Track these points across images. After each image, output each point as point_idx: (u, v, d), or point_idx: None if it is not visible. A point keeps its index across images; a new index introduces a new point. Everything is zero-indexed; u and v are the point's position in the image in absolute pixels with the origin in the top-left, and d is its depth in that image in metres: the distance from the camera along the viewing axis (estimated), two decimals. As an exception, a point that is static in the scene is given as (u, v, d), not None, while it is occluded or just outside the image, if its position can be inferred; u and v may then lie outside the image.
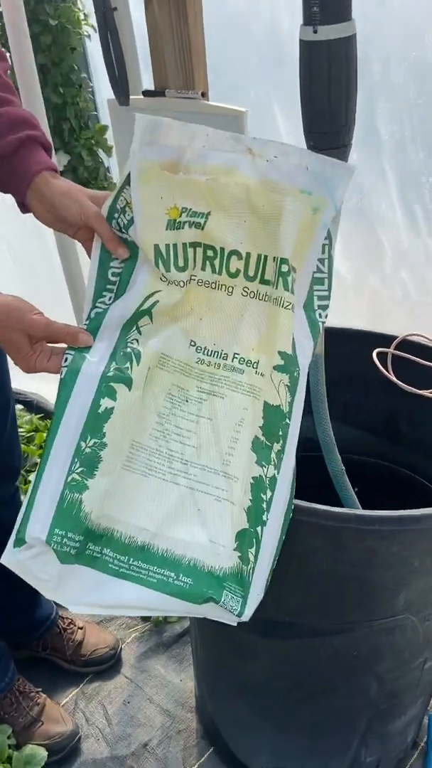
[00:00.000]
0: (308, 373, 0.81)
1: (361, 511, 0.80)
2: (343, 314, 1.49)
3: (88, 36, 1.78)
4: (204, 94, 1.17)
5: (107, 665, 1.42)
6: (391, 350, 1.06)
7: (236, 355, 0.79)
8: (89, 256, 0.81)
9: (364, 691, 1.02)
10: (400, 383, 1.08)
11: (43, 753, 1.23)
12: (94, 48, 1.79)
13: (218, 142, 0.75)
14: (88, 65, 1.82)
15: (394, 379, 1.01)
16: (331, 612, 0.91)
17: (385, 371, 0.99)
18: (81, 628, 1.45)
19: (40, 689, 1.33)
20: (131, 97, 1.28)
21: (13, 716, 1.28)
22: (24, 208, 0.82)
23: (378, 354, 1.05)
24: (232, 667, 1.10)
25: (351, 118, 0.82)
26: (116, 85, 1.28)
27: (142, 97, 1.26)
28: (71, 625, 1.44)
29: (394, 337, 1.15)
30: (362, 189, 1.35)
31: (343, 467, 1.01)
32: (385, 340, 1.16)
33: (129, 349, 0.77)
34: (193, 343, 0.80)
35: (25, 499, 0.75)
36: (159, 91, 1.22)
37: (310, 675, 1.01)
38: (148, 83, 1.29)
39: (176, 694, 1.37)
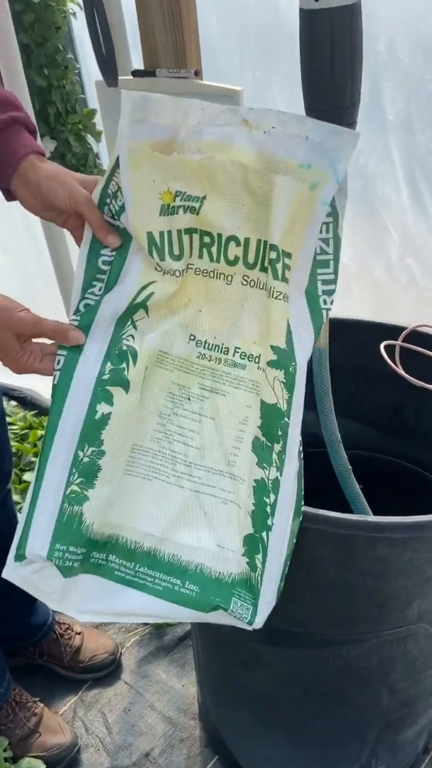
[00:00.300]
0: (311, 367, 0.75)
1: (371, 518, 0.75)
2: (346, 304, 1.44)
3: (74, 13, 1.70)
4: (197, 73, 1.11)
5: (107, 671, 1.38)
6: (399, 342, 1.00)
7: (237, 350, 0.74)
8: (79, 246, 0.75)
9: (374, 702, 0.97)
10: (410, 378, 1.02)
11: (41, 765, 1.19)
12: (80, 26, 1.70)
13: (214, 117, 0.69)
14: (74, 45, 1.73)
15: (403, 373, 0.95)
16: (340, 622, 0.86)
17: (393, 365, 0.93)
18: (79, 633, 1.40)
19: (37, 699, 1.29)
20: (120, 77, 1.22)
21: (10, 728, 1.23)
22: (9, 195, 0.76)
23: (385, 347, 1.00)
24: (236, 675, 1.05)
25: (356, 94, 0.76)
26: (104, 65, 1.21)
27: (131, 77, 1.20)
28: (69, 631, 1.39)
29: (400, 328, 1.10)
30: (366, 172, 1.28)
31: (350, 467, 0.96)
32: (391, 330, 1.11)
33: (125, 347, 0.72)
34: (192, 338, 0.75)
35: (23, 513, 0.71)
36: (149, 71, 1.16)
37: (319, 685, 0.96)
38: (138, 63, 1.23)
39: (178, 700, 1.33)
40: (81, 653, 1.37)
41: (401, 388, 1.11)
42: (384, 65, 1.19)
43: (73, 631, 1.40)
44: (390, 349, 1.05)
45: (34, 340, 0.72)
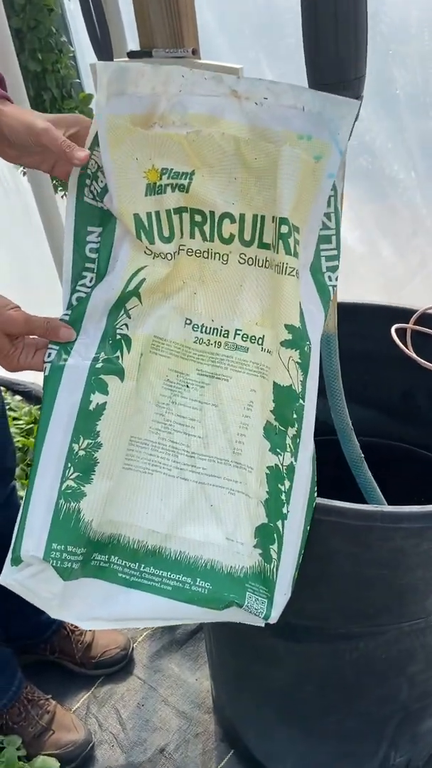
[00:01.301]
0: (321, 353, 0.72)
1: (386, 508, 0.72)
2: (354, 287, 1.40)
3: (66, -6, 1.65)
4: (195, 52, 1.07)
5: (119, 666, 1.36)
6: (410, 326, 0.97)
7: (238, 332, 0.71)
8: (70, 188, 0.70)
9: (393, 694, 0.95)
10: (422, 361, 0.99)
11: (55, 764, 1.17)
12: (73, 8, 1.66)
13: (196, 85, 0.65)
14: (68, 27, 1.69)
15: (415, 357, 0.92)
16: (357, 615, 0.83)
17: (405, 349, 0.90)
18: (90, 629, 1.38)
19: (49, 696, 1.27)
20: (116, 60, 1.18)
21: (23, 726, 1.22)
22: None
23: (396, 330, 0.97)
24: (250, 671, 1.03)
25: (361, 66, 0.72)
26: (99, 47, 1.18)
27: (127, 59, 1.16)
28: (79, 627, 1.38)
29: (410, 311, 1.07)
30: (373, 149, 1.24)
31: (362, 454, 0.94)
32: (401, 313, 1.08)
33: (119, 336, 0.69)
34: (188, 321, 0.72)
35: (20, 512, 0.67)
36: (145, 52, 1.12)
37: (336, 678, 0.94)
38: (133, 44, 1.19)
39: (192, 694, 1.31)
40: (92, 649, 1.36)
41: (413, 371, 1.08)
42: (393, 39, 1.14)
43: (83, 626, 1.38)
44: (401, 333, 1.02)
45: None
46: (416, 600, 0.81)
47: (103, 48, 1.18)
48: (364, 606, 0.82)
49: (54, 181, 1.69)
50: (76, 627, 1.37)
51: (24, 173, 1.52)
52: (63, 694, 1.33)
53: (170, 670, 1.36)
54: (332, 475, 0.83)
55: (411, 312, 1.06)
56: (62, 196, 1.78)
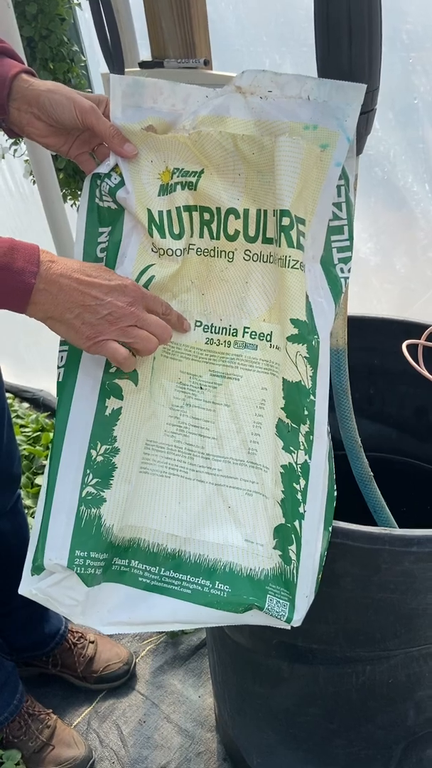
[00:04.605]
0: (330, 368, 0.71)
1: (397, 531, 0.70)
2: (366, 299, 1.38)
3: (78, 4, 1.65)
4: (207, 62, 1.06)
5: (121, 681, 1.34)
6: (422, 342, 0.95)
7: (246, 329, 0.71)
8: (87, 172, 0.71)
9: (400, 719, 0.92)
10: (434, 378, 0.97)
11: (54, 780, 1.16)
12: (85, 18, 1.66)
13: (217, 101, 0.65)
14: (80, 37, 1.69)
15: (426, 374, 0.90)
16: (364, 639, 0.81)
17: (417, 366, 0.88)
18: (92, 642, 1.36)
19: (50, 710, 1.25)
20: (127, 69, 1.18)
21: (23, 740, 1.20)
22: (11, 132, 0.72)
23: (408, 346, 0.95)
24: (255, 691, 1.01)
25: (375, 78, 0.71)
26: (110, 57, 1.17)
27: (138, 69, 1.15)
28: (82, 639, 1.36)
29: (423, 326, 1.05)
30: (389, 157, 1.22)
31: (371, 473, 0.91)
32: (413, 328, 1.06)
33: None
34: (199, 323, 0.72)
35: (36, 521, 0.67)
36: (157, 62, 1.11)
37: (342, 702, 0.92)
38: (145, 54, 1.18)
39: (195, 712, 1.29)
40: (95, 663, 1.34)
41: (424, 388, 1.07)
42: (414, 47, 1.12)
43: (86, 639, 1.36)
44: (412, 348, 1.00)
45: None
46: (425, 625, 0.78)
47: (115, 57, 1.18)
48: (371, 630, 0.80)
49: (63, 190, 1.69)
50: (78, 641, 1.36)
51: (34, 181, 1.51)
52: (64, 709, 1.32)
53: (173, 686, 1.34)
54: (339, 491, 0.81)
55: (423, 327, 1.04)
56: (71, 206, 1.78)
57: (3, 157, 1.72)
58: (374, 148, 0.63)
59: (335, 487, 0.70)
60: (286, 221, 0.64)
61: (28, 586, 0.66)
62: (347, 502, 0.82)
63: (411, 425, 1.20)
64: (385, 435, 1.24)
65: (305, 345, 0.67)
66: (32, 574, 0.66)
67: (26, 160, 1.71)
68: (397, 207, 1.27)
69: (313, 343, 0.67)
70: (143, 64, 1.15)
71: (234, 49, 1.27)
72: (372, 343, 1.13)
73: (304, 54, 1.10)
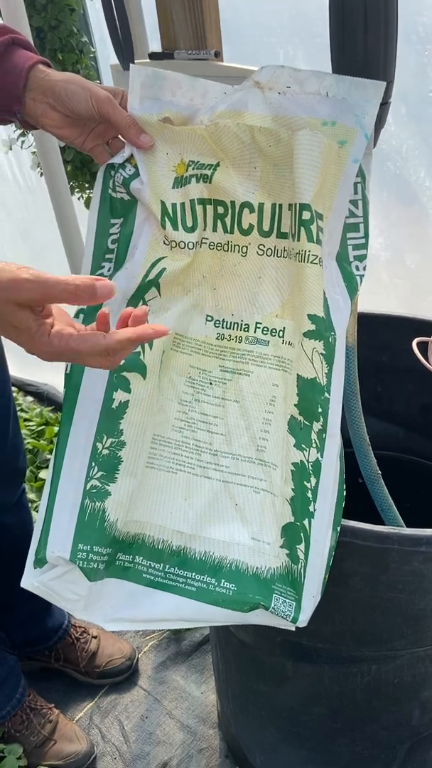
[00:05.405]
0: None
1: (405, 530, 0.69)
2: (376, 296, 1.37)
3: (88, -6, 1.64)
4: (218, 54, 1.05)
5: (123, 677, 1.34)
6: (432, 339, 0.94)
7: (258, 325, 0.70)
8: (101, 164, 0.70)
9: (405, 719, 0.92)
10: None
11: (55, 775, 1.15)
12: (95, 8, 1.64)
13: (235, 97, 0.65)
14: (89, 28, 1.67)
15: (437, 372, 0.89)
16: (370, 639, 0.80)
17: (427, 364, 0.87)
18: (95, 637, 1.36)
19: (52, 705, 1.25)
20: (136, 61, 1.16)
21: (25, 735, 1.20)
22: (26, 124, 0.71)
23: (418, 344, 0.94)
24: (258, 689, 1.00)
25: (390, 71, 0.70)
26: (120, 47, 1.16)
27: (148, 60, 1.14)
28: (84, 634, 1.36)
29: (431, 323, 1.04)
30: (401, 152, 1.20)
31: (379, 471, 0.91)
32: (424, 326, 1.05)
33: None
34: (210, 318, 0.71)
35: (39, 514, 0.66)
36: (167, 53, 1.10)
37: (346, 701, 0.91)
38: (155, 45, 1.17)
39: (197, 708, 1.28)
40: (97, 658, 1.34)
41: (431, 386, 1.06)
42: (427, 41, 1.11)
43: (89, 634, 1.36)
44: (423, 346, 0.99)
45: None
46: (433, 625, 0.78)
47: (125, 49, 1.17)
48: (378, 630, 0.79)
49: (71, 183, 1.68)
50: (81, 635, 1.35)
51: (41, 173, 1.50)
52: (67, 703, 1.31)
53: (175, 682, 1.33)
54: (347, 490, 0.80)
55: (433, 324, 1.03)
56: (78, 198, 1.77)
57: (11, 149, 1.71)
58: (386, 142, 0.62)
59: (344, 486, 0.69)
60: (306, 215, 0.64)
61: (31, 579, 0.65)
62: (350, 500, 0.81)
63: (418, 424, 1.19)
64: (392, 433, 1.23)
65: (322, 341, 0.66)
66: (35, 567, 0.65)
67: (34, 152, 1.71)
68: (409, 202, 1.25)
69: (330, 339, 0.66)
70: (153, 56, 1.13)
71: (245, 41, 1.26)
72: (380, 340, 1.12)
73: (316, 46, 1.08)
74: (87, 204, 1.75)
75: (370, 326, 1.10)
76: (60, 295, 0.51)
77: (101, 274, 0.69)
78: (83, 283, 0.50)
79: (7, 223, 2.11)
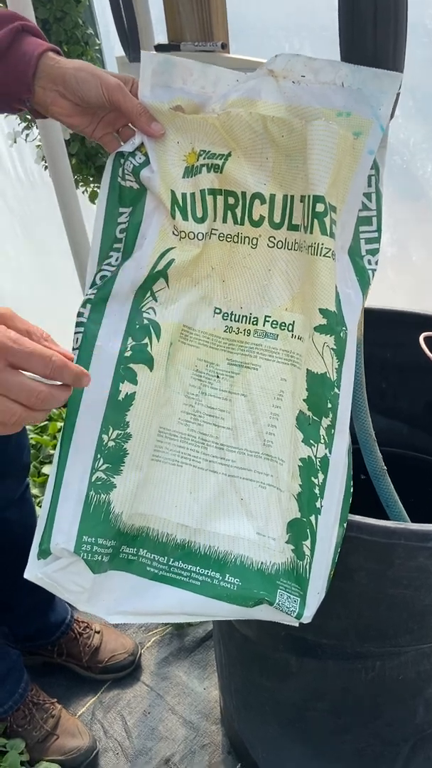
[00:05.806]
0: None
1: (412, 526, 0.69)
2: (381, 291, 1.36)
3: (94, -14, 1.63)
4: (225, 46, 1.04)
5: (126, 672, 1.33)
6: (440, 334, 0.93)
7: (267, 318, 0.69)
8: (111, 151, 0.69)
9: (409, 716, 0.91)
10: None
11: (58, 770, 1.15)
12: (100, 0, 1.63)
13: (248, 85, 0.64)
14: (95, 20, 1.66)
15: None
16: (375, 635, 0.80)
17: (434, 359, 0.87)
18: (98, 632, 1.36)
19: (54, 700, 1.25)
20: (142, 52, 1.16)
21: (27, 729, 1.19)
22: (36, 112, 0.70)
23: (425, 338, 0.93)
24: (262, 685, 1.00)
25: (399, 64, 0.69)
26: (125, 39, 1.15)
27: (154, 52, 1.13)
28: (87, 629, 1.35)
29: (439, 318, 1.03)
30: (408, 146, 1.20)
31: (385, 467, 0.90)
32: (428, 321, 1.04)
33: (146, 321, 0.67)
34: (218, 311, 0.70)
35: (44, 505, 0.66)
36: (173, 45, 1.10)
37: (350, 697, 0.91)
38: (161, 37, 1.17)
39: (200, 704, 1.28)
40: (100, 653, 1.33)
41: (438, 382, 1.05)
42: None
43: (92, 629, 1.36)
44: (430, 341, 0.98)
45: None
46: (439, 622, 0.77)
47: (131, 40, 1.16)
48: (383, 626, 0.79)
49: (75, 176, 1.67)
50: (84, 630, 1.35)
51: (45, 167, 1.50)
52: (69, 698, 1.31)
53: (178, 677, 1.33)
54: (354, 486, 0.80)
55: (439, 319, 1.02)
56: (83, 192, 1.76)
57: (15, 142, 1.71)
58: (394, 135, 0.61)
59: (352, 484, 0.68)
60: (320, 207, 0.63)
61: (34, 571, 0.65)
62: (353, 496, 0.81)
63: (423, 420, 1.19)
64: (396, 430, 1.22)
65: (333, 336, 0.65)
66: (38, 558, 0.65)
67: (38, 145, 1.70)
68: (416, 197, 1.25)
69: (341, 334, 0.65)
70: (159, 47, 1.13)
71: (252, 33, 1.25)
72: (385, 336, 1.12)
73: (323, 38, 1.07)
74: (91, 198, 1.74)
75: (376, 322, 1.09)
76: (25, 363, 0.53)
77: (109, 264, 0.68)
78: (56, 365, 0.53)
79: (8, 218, 2.11)
